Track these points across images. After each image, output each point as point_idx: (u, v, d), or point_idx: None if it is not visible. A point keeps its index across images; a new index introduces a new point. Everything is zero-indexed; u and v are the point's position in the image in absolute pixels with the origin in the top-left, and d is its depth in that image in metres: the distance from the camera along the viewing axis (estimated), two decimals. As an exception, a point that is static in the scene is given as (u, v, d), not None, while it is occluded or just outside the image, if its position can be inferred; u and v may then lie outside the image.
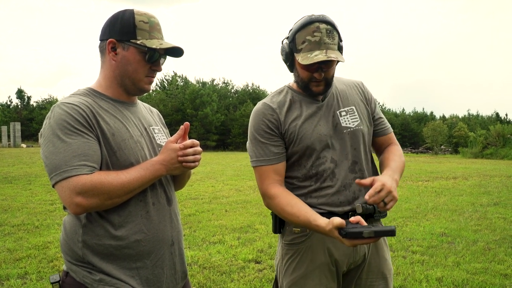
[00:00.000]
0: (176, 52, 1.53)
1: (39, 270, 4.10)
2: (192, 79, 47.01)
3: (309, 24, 1.60)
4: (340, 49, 1.67)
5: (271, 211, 1.80)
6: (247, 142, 1.78)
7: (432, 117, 51.86)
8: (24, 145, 30.65)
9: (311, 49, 1.59)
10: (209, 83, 46.97)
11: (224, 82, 49.61)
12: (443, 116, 53.45)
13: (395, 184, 1.58)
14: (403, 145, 44.71)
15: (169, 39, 1.55)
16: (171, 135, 1.66)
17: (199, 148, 1.50)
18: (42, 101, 50.78)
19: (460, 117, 52.45)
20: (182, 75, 45.67)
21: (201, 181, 11.73)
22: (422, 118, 50.66)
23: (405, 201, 8.58)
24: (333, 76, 1.72)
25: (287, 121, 1.71)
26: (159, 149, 1.57)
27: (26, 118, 45.84)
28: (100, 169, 1.38)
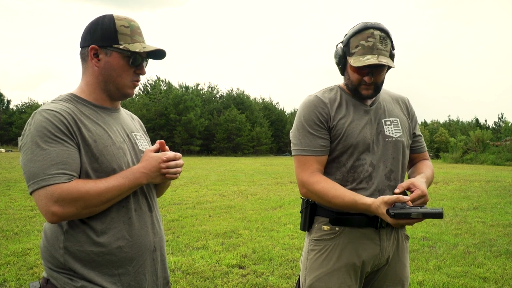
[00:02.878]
0: (159, 54, 1.53)
1: (18, 278, 4.01)
2: (175, 84, 46.87)
3: (364, 29, 1.68)
4: (392, 56, 1.73)
5: (301, 209, 1.85)
6: (292, 130, 1.82)
7: (413, 122, 52.51)
8: (3, 150, 30.04)
9: (364, 53, 1.66)
10: (193, 87, 46.85)
11: (209, 87, 49.60)
12: (425, 122, 54.33)
13: (425, 186, 1.69)
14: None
15: (153, 43, 1.55)
16: (153, 141, 1.66)
17: (180, 161, 1.52)
18: (22, 105, 50.00)
19: (441, 122, 53.39)
20: (166, 80, 45.51)
21: (185, 186, 11.66)
22: (404, 124, 51.25)
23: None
24: (383, 81, 1.77)
25: (336, 117, 1.76)
26: (142, 155, 1.57)
27: (6, 122, 45.02)
28: (81, 176, 1.36)
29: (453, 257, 4.91)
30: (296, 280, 1.92)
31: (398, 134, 1.80)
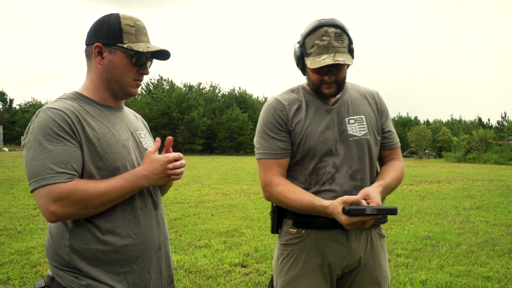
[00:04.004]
0: (163, 55, 1.53)
1: (22, 276, 4.03)
2: (178, 83, 46.92)
3: (318, 28, 1.64)
4: (351, 51, 1.69)
5: (270, 211, 1.83)
6: (256, 134, 1.80)
7: (416, 121, 52.54)
8: (6, 149, 30.14)
9: (320, 53, 1.62)
10: (196, 86, 46.86)
11: (211, 86, 49.60)
12: (427, 121, 54.22)
13: (380, 198, 1.61)
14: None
15: (155, 43, 1.55)
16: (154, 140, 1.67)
17: (184, 161, 1.52)
18: (25, 104, 50.10)
19: (443, 121, 53.27)
20: (168, 79, 45.50)
21: (187, 185, 11.68)
22: (407, 123, 51.29)
23: (390, 204, 8.64)
24: (344, 78, 1.73)
25: (294, 120, 1.74)
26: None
27: (8, 121, 45.13)
28: (84, 175, 1.37)
29: (456, 256, 4.90)
30: (269, 281, 1.90)
31: (363, 132, 1.76)
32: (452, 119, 55.13)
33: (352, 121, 1.77)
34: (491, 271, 4.36)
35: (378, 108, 1.86)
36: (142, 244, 1.47)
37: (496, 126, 43.57)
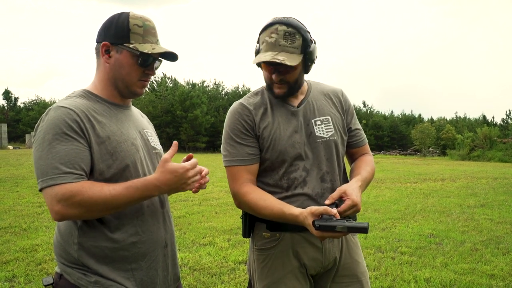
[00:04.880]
0: (171, 56, 1.53)
1: (27, 273, 4.06)
2: (181, 81, 46.92)
3: (270, 25, 1.61)
4: (307, 53, 1.63)
5: (241, 215, 1.79)
6: (222, 142, 1.76)
7: (420, 119, 52.31)
8: (10, 147, 30.28)
9: (266, 50, 1.60)
10: (199, 84, 46.86)
11: (215, 84, 49.58)
12: (431, 119, 53.97)
13: (360, 194, 1.61)
14: (391, 147, 45.07)
15: (160, 41, 1.56)
16: (159, 138, 1.67)
17: (201, 168, 1.46)
18: (29, 102, 50.23)
19: (447, 119, 53.02)
20: (172, 77, 45.53)
21: (191, 183, 11.67)
22: (411, 121, 51.07)
23: (394, 202, 8.66)
24: (297, 80, 1.68)
25: (261, 125, 1.70)
26: (154, 151, 1.58)
27: (13, 119, 45.29)
28: (94, 173, 1.37)
29: (460, 254, 4.89)
30: (248, 286, 1.88)
31: (330, 133, 1.73)
32: (456, 116, 54.89)
33: (318, 122, 1.74)
34: (496, 269, 4.35)
35: (343, 108, 1.83)
36: (149, 242, 1.48)
37: (500, 124, 43.40)
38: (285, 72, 1.63)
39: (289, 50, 1.59)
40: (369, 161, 1.85)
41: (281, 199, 1.66)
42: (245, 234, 1.79)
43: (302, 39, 1.61)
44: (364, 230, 1.43)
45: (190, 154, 1.46)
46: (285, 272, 1.69)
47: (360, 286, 1.77)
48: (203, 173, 1.49)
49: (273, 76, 1.64)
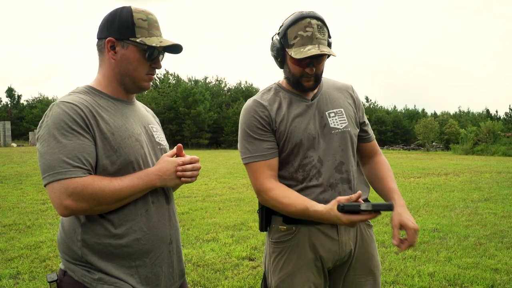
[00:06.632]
0: (175, 48, 1.52)
1: (32, 270, 4.08)
2: (184, 77, 46.92)
3: (300, 19, 1.62)
4: (329, 45, 1.68)
5: (258, 209, 1.81)
6: (238, 140, 1.78)
7: (423, 114, 52.15)
8: (14, 144, 30.40)
9: (304, 43, 1.60)
10: (202, 81, 46.86)
11: (217, 80, 49.56)
12: (435, 113, 53.82)
13: (409, 213, 1.69)
14: (395, 142, 44.98)
15: (164, 36, 1.55)
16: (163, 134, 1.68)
17: (197, 165, 1.53)
18: (33, 99, 50.32)
19: (451, 114, 52.86)
20: (174, 73, 45.55)
21: (194, 179, 11.69)
22: (414, 115, 50.92)
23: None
24: (322, 71, 1.73)
25: (277, 119, 1.72)
26: (158, 147, 1.58)
27: (16, 117, 45.41)
28: (98, 169, 1.37)
29: (464, 248, 4.88)
30: (262, 279, 1.88)
31: (344, 125, 1.76)
32: (459, 111, 54.72)
33: (332, 114, 1.76)
34: (500, 263, 4.34)
35: (354, 102, 1.86)
36: (154, 238, 1.47)
37: (504, 118, 43.13)
38: (317, 64, 1.66)
39: (323, 42, 1.63)
40: (388, 166, 1.88)
41: (297, 191, 1.69)
42: (262, 228, 1.80)
43: (327, 31, 1.67)
44: (389, 207, 1.46)
45: (179, 144, 1.55)
46: (300, 265, 1.71)
47: (373, 279, 1.79)
48: (195, 166, 1.53)
49: (308, 70, 1.65)
